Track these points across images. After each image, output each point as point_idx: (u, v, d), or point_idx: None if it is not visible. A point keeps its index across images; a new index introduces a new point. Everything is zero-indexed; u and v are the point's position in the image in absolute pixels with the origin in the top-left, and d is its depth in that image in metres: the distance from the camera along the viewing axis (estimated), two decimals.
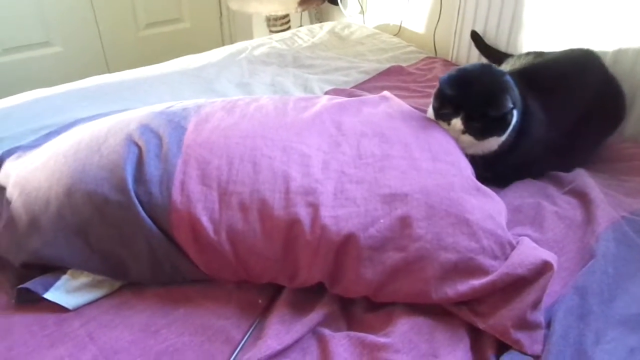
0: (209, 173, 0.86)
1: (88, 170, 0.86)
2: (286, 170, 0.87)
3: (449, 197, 0.86)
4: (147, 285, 0.86)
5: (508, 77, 1.05)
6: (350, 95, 1.50)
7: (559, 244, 0.95)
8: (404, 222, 0.83)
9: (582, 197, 1.05)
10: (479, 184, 0.93)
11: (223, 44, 3.13)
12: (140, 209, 0.83)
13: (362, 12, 2.32)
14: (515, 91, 1.04)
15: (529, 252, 0.81)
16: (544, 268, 0.78)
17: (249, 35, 2.92)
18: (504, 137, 1.04)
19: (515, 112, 1.03)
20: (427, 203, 0.85)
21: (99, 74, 1.63)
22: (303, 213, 0.83)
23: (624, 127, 1.29)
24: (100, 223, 0.84)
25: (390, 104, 1.09)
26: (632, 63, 1.30)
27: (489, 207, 0.89)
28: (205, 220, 0.83)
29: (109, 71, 2.75)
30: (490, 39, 1.65)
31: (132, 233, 0.84)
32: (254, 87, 1.55)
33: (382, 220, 0.83)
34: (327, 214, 0.83)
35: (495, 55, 1.55)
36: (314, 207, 0.83)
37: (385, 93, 1.15)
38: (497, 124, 1.02)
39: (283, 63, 1.72)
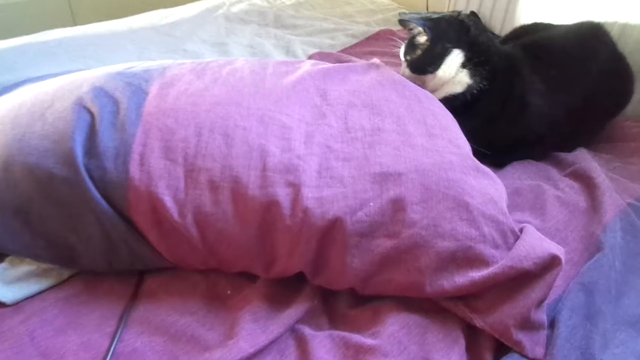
0: (173, 145, 0.75)
1: (29, 140, 0.73)
2: (263, 143, 0.76)
3: (447, 177, 0.76)
4: (102, 275, 0.75)
5: (464, 17, 1.03)
6: (337, 60, 1.37)
7: (562, 232, 0.87)
8: (397, 205, 0.73)
9: (586, 181, 0.97)
10: (479, 163, 0.83)
11: None
12: (91, 186, 0.71)
13: None
14: (469, 33, 1.01)
15: (536, 243, 0.72)
16: (551, 262, 0.70)
17: None
18: (444, 75, 1.01)
19: (457, 52, 1.00)
20: (423, 184, 0.75)
21: (63, 26, 1.47)
22: (282, 194, 0.72)
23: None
24: (43, 202, 0.72)
25: (381, 72, 0.98)
26: (639, 38, 1.20)
27: (490, 189, 0.79)
28: (168, 200, 0.71)
29: (74, 22, 2.55)
30: (488, 1, 1.53)
31: (81, 214, 0.72)
32: (231, 48, 1.41)
33: (371, 203, 0.73)
34: (309, 195, 0.72)
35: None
36: (295, 187, 0.72)
37: (375, 60, 1.03)
38: (426, 56, 1.01)
39: (263, 22, 1.58)
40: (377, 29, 1.57)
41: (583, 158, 1.04)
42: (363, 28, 1.57)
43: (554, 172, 1.02)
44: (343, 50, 1.47)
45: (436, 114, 0.90)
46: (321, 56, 1.41)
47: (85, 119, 0.76)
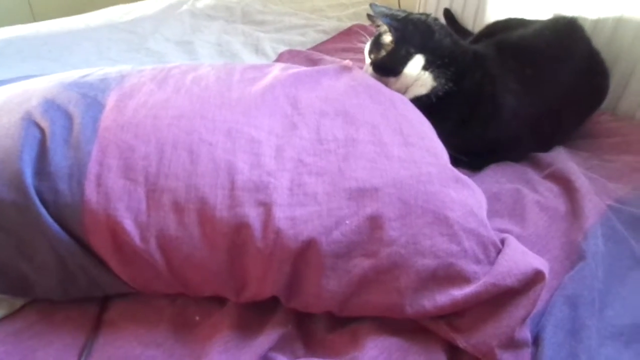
0: (133, 164, 0.69)
1: None
2: (231, 160, 0.71)
3: (426, 190, 0.73)
4: (58, 305, 0.70)
5: (431, 22, 1.01)
6: (308, 58, 1.32)
7: (542, 239, 0.85)
8: (374, 223, 0.69)
9: (565, 184, 0.95)
10: (458, 173, 0.80)
11: None
12: (42, 210, 0.65)
13: None
14: (433, 38, 0.99)
15: (518, 258, 0.70)
16: (535, 278, 0.67)
17: None
18: (406, 78, 0.99)
19: (419, 57, 0.98)
20: (401, 199, 0.71)
21: (21, 20, 1.38)
22: (252, 214, 0.67)
23: None
24: None
25: (354, 76, 0.93)
26: (610, 32, 1.19)
27: (470, 200, 0.76)
28: (128, 223, 0.66)
29: (34, 16, 2.42)
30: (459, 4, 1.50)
31: (33, 240, 0.66)
32: (197, 47, 1.34)
33: (347, 222, 0.69)
34: (281, 215, 0.68)
35: (467, 36, 1.40)
36: (266, 207, 0.68)
37: (347, 62, 0.99)
38: (389, 58, 0.99)
39: (231, 18, 1.51)
40: (348, 24, 1.53)
41: (561, 158, 1.02)
42: (334, 23, 1.52)
43: (532, 173, 1.00)
44: (314, 47, 1.42)
45: (412, 121, 0.86)
46: (291, 54, 1.35)
47: (35, 136, 0.69)
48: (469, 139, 1.01)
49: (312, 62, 1.31)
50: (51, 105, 0.72)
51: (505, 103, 0.99)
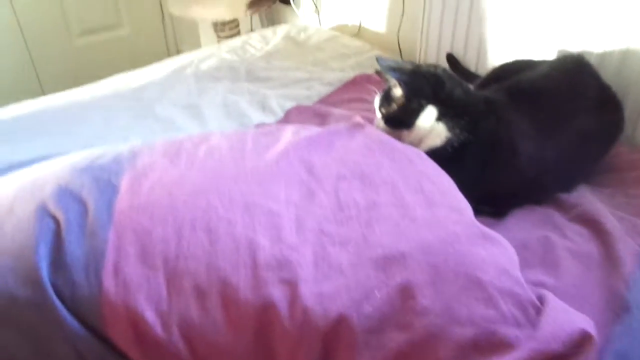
0: (151, 248, 0.67)
1: None
2: (251, 236, 0.68)
3: (455, 252, 0.70)
4: None
5: (440, 73, 1.00)
6: (316, 112, 1.32)
7: (579, 290, 0.80)
8: (405, 292, 0.66)
9: (595, 226, 0.91)
10: (485, 228, 0.77)
11: (168, 52, 2.89)
12: (59, 305, 0.63)
13: (317, 11, 2.14)
14: (445, 88, 0.97)
15: (562, 318, 0.66)
16: (582, 340, 0.63)
17: (195, 41, 2.69)
18: (419, 130, 0.98)
19: (431, 108, 0.97)
20: (430, 263, 0.68)
21: (30, 92, 1.40)
22: (278, 294, 0.64)
23: None
24: (4, 329, 0.63)
25: (366, 133, 0.92)
26: (618, 65, 1.18)
27: (500, 258, 0.73)
28: (149, 314, 0.63)
29: (41, 87, 2.47)
30: (460, 41, 1.50)
31: (50, 337, 0.63)
32: (204, 110, 1.34)
33: (377, 293, 0.66)
34: (308, 292, 0.65)
35: (472, 78, 1.40)
36: (291, 285, 0.65)
37: (357, 119, 0.97)
38: (401, 111, 0.99)
39: (235, 77, 1.52)
40: (352, 74, 1.53)
41: (586, 199, 0.99)
42: (338, 75, 1.53)
43: (557, 217, 0.97)
44: (320, 100, 1.42)
45: (431, 177, 0.84)
46: (299, 110, 1.35)
47: (50, 227, 0.67)
48: (489, 187, 0.98)
49: (321, 116, 1.30)
50: (65, 193, 0.71)
51: (523, 148, 0.97)
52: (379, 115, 1.05)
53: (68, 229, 0.67)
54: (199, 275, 0.65)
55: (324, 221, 0.73)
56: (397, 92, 0.99)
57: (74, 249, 0.66)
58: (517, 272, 0.73)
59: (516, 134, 0.98)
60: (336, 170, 0.81)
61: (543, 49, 1.30)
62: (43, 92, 2.45)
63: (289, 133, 0.92)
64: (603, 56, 1.20)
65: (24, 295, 0.63)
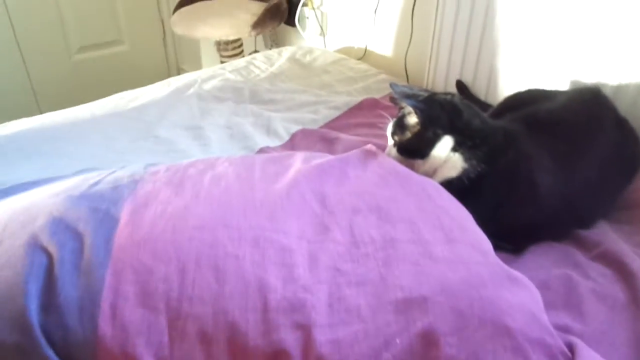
0: (152, 288, 0.61)
1: None
2: (261, 275, 0.63)
3: (480, 296, 0.65)
4: None
5: (457, 102, 0.96)
6: (323, 137, 1.28)
7: (607, 336, 0.76)
8: (428, 339, 0.60)
9: (619, 267, 0.87)
10: (509, 269, 0.72)
11: (168, 69, 2.86)
12: (49, 352, 0.57)
13: (323, 34, 2.11)
14: (462, 118, 0.93)
15: None
16: None
17: (196, 59, 2.66)
18: (434, 161, 0.94)
19: (447, 138, 0.92)
20: (454, 308, 0.63)
21: (26, 109, 1.35)
22: (290, 340, 0.59)
23: None
24: None
25: (380, 163, 0.87)
26: (633, 98, 1.15)
27: (527, 301, 0.68)
28: None
29: (38, 104, 2.42)
30: (469, 68, 1.47)
31: None
32: (207, 131, 1.30)
33: (398, 340, 0.60)
34: (323, 339, 0.59)
35: (482, 107, 1.36)
36: (305, 330, 0.60)
37: (370, 147, 0.93)
38: (416, 140, 0.95)
39: (239, 99, 1.48)
40: (359, 98, 1.49)
41: (608, 237, 0.95)
42: (345, 98, 1.49)
43: (578, 255, 0.92)
44: (327, 124, 1.38)
45: (450, 212, 0.79)
46: (305, 134, 1.31)
47: (41, 263, 0.62)
48: (506, 221, 0.93)
49: (328, 141, 1.26)
50: (59, 225, 0.66)
51: (543, 182, 0.93)
52: (391, 142, 1.01)
53: (61, 266, 0.61)
54: (204, 319, 0.60)
55: (339, 259, 0.68)
56: (412, 119, 0.95)
57: (68, 288, 0.60)
58: (545, 318, 0.68)
59: (535, 167, 0.94)
60: (350, 203, 0.76)
61: (555, 79, 1.27)
62: (40, 109, 2.41)
63: (298, 160, 0.87)
64: (618, 88, 1.17)
65: (9, 339, 0.57)
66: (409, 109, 0.95)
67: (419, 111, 0.93)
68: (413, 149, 0.96)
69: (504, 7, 1.34)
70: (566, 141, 0.99)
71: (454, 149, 0.92)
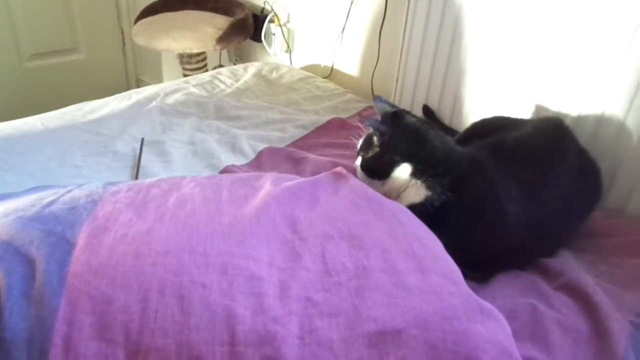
0: (110, 319, 0.57)
1: None
2: (229, 305, 0.60)
3: (454, 329, 0.64)
4: None
5: (424, 130, 0.96)
6: (290, 156, 1.25)
7: None
8: None
9: (582, 298, 0.88)
10: (480, 300, 0.71)
11: (127, 80, 2.78)
12: None
13: (289, 50, 2.10)
14: (424, 148, 0.93)
15: None
16: None
17: (157, 71, 2.60)
18: (393, 185, 0.95)
19: (406, 165, 0.93)
20: (428, 341, 0.62)
21: None
22: None
23: None
24: None
25: (352, 187, 0.86)
26: (592, 130, 1.19)
27: (499, 335, 0.67)
28: None
29: None
30: (435, 93, 1.49)
31: None
32: (169, 147, 1.25)
33: None
34: None
35: (447, 132, 1.38)
36: None
37: (341, 170, 0.91)
38: (375, 161, 0.95)
39: (203, 114, 1.44)
40: (327, 117, 1.48)
41: (570, 267, 0.96)
42: (312, 117, 1.48)
43: (543, 285, 0.93)
44: (294, 143, 1.36)
45: (421, 239, 0.78)
46: (271, 152, 1.28)
47: None
48: (474, 250, 0.93)
49: (295, 160, 1.24)
50: (7, 250, 0.60)
51: (509, 210, 0.94)
52: (358, 160, 1.01)
53: (9, 295, 0.56)
54: (167, 353, 0.55)
55: (311, 288, 0.65)
56: (376, 140, 0.95)
57: (16, 321, 0.55)
58: (515, 351, 0.67)
59: (502, 196, 0.95)
60: (322, 228, 0.74)
61: (518, 107, 1.30)
62: None
63: (267, 182, 0.85)
64: (578, 120, 1.21)
65: None
66: (376, 130, 0.95)
67: (378, 134, 0.93)
68: (372, 169, 0.96)
69: (470, 34, 1.36)
70: (531, 171, 1.01)
71: (415, 176, 0.92)
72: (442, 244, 0.81)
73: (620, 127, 1.15)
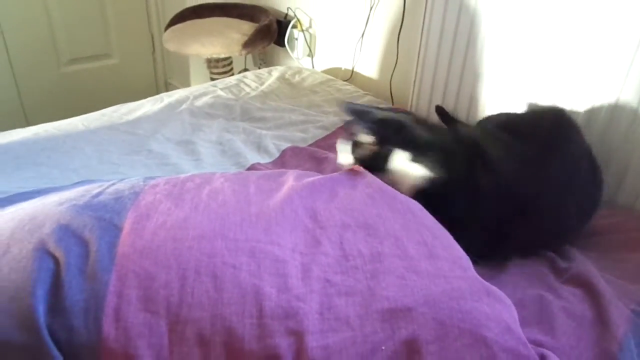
0: (154, 293, 0.65)
1: None
2: (257, 284, 0.67)
3: (460, 308, 0.70)
4: None
5: (402, 119, 1.03)
6: (312, 155, 1.33)
7: (575, 350, 0.81)
8: (411, 347, 0.65)
9: (587, 288, 0.93)
10: (488, 285, 0.78)
11: (156, 83, 2.89)
12: (55, 352, 0.60)
13: (311, 55, 2.18)
14: (404, 132, 1.00)
15: None
16: None
17: (185, 74, 2.71)
18: (395, 172, 0.99)
19: (400, 152, 0.98)
20: (436, 318, 0.68)
21: (12, 119, 1.36)
22: (284, 345, 0.63)
23: None
24: None
25: (368, 182, 0.92)
26: (603, 127, 1.22)
27: (504, 315, 0.73)
28: None
29: (25, 113, 2.43)
30: (452, 93, 1.55)
31: None
32: (199, 147, 1.34)
33: (384, 347, 0.65)
34: (314, 344, 0.63)
35: (464, 126, 1.43)
36: (298, 336, 0.64)
37: (357, 167, 0.98)
38: (372, 157, 1.01)
39: (230, 115, 1.53)
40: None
41: (578, 261, 1.01)
42: (332, 119, 1.55)
43: (551, 278, 0.98)
44: (315, 143, 1.43)
45: (433, 230, 0.85)
46: (294, 151, 1.36)
47: (49, 268, 0.65)
48: (474, 225, 0.97)
49: (317, 159, 1.31)
50: (66, 232, 0.69)
51: (503, 169, 0.98)
52: (347, 160, 1.06)
53: (68, 270, 0.65)
54: (203, 324, 0.63)
55: (330, 270, 0.72)
56: (366, 138, 1.02)
57: (74, 291, 0.63)
58: (519, 329, 0.73)
59: (494, 167, 0.99)
60: (340, 219, 0.81)
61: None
62: (27, 120, 2.42)
63: (291, 178, 0.92)
64: (591, 115, 1.24)
65: (18, 340, 0.60)
66: (362, 129, 1.02)
67: (371, 131, 1.00)
68: (373, 165, 1.01)
69: (485, 36, 1.42)
70: (534, 146, 1.03)
71: (411, 160, 0.99)
72: (448, 225, 0.86)
73: (631, 122, 1.18)
